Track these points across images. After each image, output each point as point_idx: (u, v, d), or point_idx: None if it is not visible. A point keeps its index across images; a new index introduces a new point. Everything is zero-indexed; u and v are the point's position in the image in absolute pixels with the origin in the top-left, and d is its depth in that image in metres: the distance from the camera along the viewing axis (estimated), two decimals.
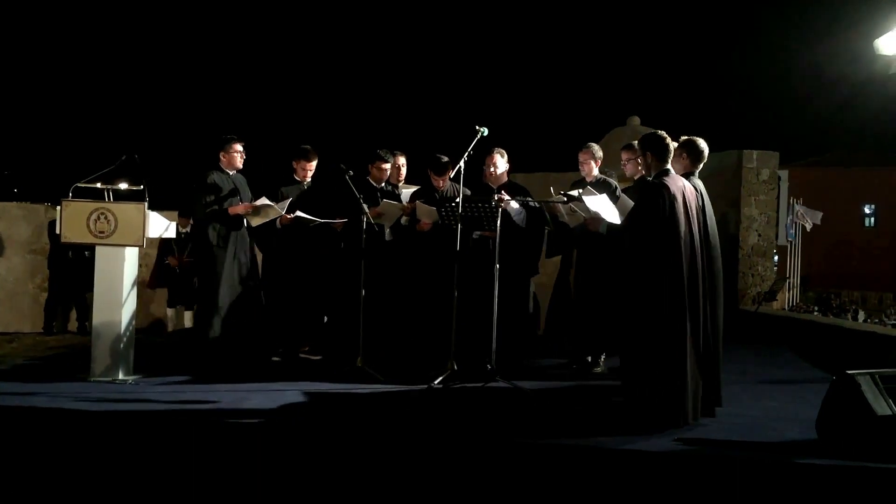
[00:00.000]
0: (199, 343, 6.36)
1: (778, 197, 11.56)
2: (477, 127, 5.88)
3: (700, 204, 4.99)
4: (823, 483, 3.84)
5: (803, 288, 15.17)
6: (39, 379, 5.60)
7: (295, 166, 6.82)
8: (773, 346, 8.32)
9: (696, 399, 4.74)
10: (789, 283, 12.98)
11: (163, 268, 9.86)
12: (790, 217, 13.45)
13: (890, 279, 27.84)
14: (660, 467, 4.01)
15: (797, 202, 13.66)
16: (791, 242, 13.67)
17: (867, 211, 33.54)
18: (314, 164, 6.80)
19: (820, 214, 13.60)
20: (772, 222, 10.93)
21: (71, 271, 10.09)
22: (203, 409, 4.81)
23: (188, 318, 9.89)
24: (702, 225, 4.95)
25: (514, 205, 6.27)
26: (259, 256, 7.12)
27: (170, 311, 10.08)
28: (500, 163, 6.55)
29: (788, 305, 12.73)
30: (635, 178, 6.26)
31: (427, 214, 6.40)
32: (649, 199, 4.79)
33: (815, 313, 12.00)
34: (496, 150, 6.55)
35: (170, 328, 9.97)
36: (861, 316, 11.58)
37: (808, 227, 13.47)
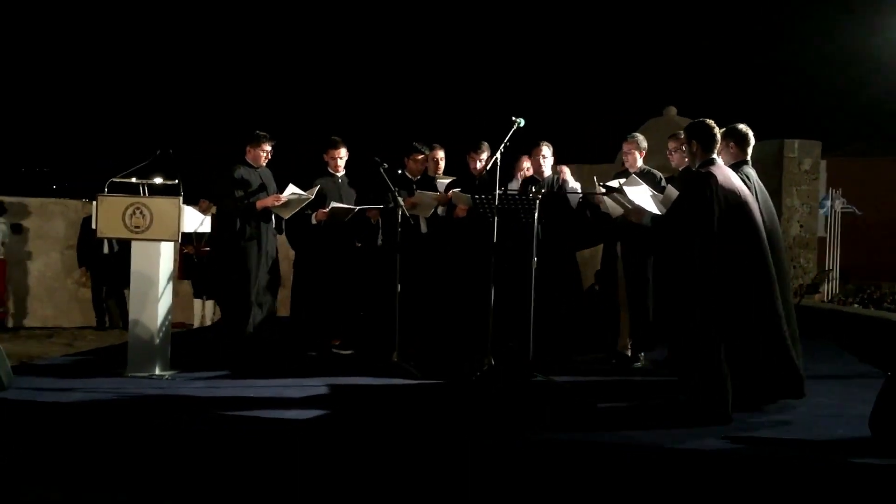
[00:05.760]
0: (234, 338, 6.34)
1: None
2: (513, 118, 5.76)
3: (753, 196, 4.85)
4: (881, 483, 3.69)
5: (843, 280, 14.82)
6: (76, 375, 5.58)
7: (326, 158, 6.85)
8: (818, 340, 8.11)
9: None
10: (829, 274, 12.69)
11: (184, 259, 9.81)
12: (826, 206, 13.15)
13: None
14: (711, 467, 3.88)
15: (836, 193, 13.34)
16: (829, 233, 13.38)
17: None
18: (343, 151, 6.82)
19: (853, 209, 13.33)
20: (814, 213, 10.68)
21: (111, 266, 10.13)
22: (239, 404, 4.76)
23: (209, 309, 9.87)
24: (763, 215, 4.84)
25: (571, 182, 6.38)
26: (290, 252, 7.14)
27: (197, 303, 10.04)
28: (548, 155, 6.46)
29: (828, 297, 12.44)
30: (680, 168, 6.10)
31: (463, 201, 6.33)
32: (695, 189, 4.65)
33: (856, 306, 11.71)
34: (543, 143, 6.46)
35: (197, 321, 9.96)
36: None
37: (857, 212, 13.20)
